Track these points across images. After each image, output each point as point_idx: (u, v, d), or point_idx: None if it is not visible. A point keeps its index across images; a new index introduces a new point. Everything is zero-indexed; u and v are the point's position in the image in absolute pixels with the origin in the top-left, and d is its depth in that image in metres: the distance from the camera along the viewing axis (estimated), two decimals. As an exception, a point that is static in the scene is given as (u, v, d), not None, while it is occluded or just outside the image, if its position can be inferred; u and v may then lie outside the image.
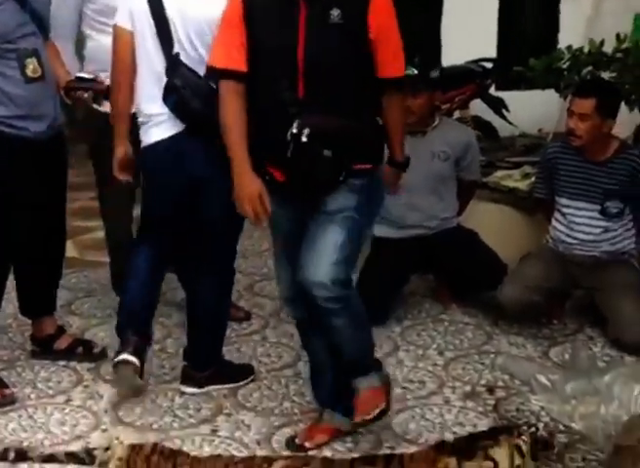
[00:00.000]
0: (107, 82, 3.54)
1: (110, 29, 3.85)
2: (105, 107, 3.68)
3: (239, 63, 2.85)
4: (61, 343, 3.89)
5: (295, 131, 2.76)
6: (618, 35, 5.88)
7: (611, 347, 4.07)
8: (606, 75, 5.56)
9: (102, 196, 4.28)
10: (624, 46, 5.75)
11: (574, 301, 4.52)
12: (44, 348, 3.86)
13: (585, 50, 5.76)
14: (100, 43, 3.93)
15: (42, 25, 3.45)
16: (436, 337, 4.24)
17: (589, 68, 5.71)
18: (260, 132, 2.88)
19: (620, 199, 4.13)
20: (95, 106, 3.74)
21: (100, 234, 4.81)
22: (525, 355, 4.04)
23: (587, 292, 4.38)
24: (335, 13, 2.78)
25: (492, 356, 4.02)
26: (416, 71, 4.39)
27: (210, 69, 3.00)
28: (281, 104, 2.80)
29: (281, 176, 2.90)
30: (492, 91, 7.28)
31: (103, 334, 4.16)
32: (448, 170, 4.50)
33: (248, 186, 2.87)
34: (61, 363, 3.86)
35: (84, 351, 3.89)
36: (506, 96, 7.30)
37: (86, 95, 3.63)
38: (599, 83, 4.53)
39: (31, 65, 3.32)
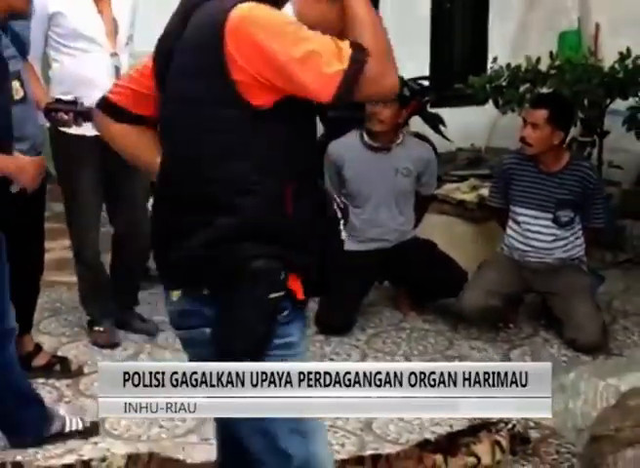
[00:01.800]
0: (86, 104, 3.61)
1: (75, 52, 3.96)
2: (83, 130, 3.76)
3: None
4: (39, 360, 3.93)
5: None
6: (551, 53, 6.19)
7: (567, 348, 4.29)
8: (543, 91, 5.84)
9: (70, 212, 4.31)
10: (557, 63, 6.05)
11: (526, 306, 4.74)
12: (23, 365, 3.88)
13: (523, 67, 6.05)
14: (64, 65, 4.02)
15: (22, 48, 3.52)
16: (401, 344, 4.41)
17: (527, 85, 6.00)
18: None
19: (570, 208, 4.36)
20: (73, 128, 3.80)
21: (59, 254, 4.85)
22: (488, 358, 4.23)
23: (539, 297, 4.61)
24: None
25: (456, 360, 4.19)
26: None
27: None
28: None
29: (301, 293, 2.04)
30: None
31: (76, 352, 4.22)
32: (409, 185, 4.68)
33: None
34: (40, 380, 3.88)
35: (62, 368, 3.94)
36: (440, 112, 7.55)
37: (66, 116, 3.69)
38: (553, 96, 4.80)
39: (15, 88, 3.38)
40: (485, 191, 5.09)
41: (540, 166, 4.38)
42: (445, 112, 7.63)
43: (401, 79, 5.49)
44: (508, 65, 5.97)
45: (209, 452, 3.26)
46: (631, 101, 5.86)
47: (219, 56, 1.88)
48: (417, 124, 7.32)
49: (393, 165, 4.61)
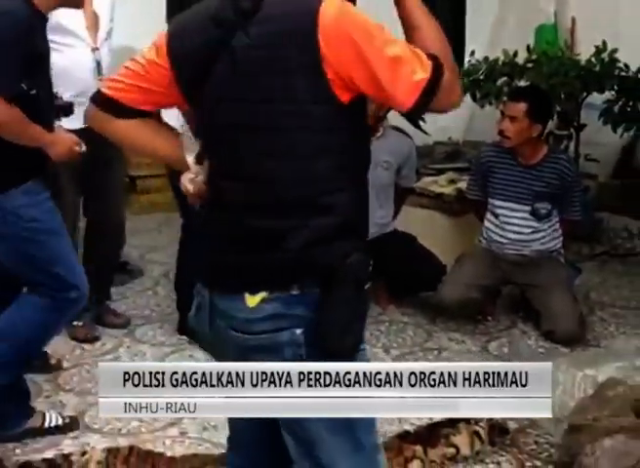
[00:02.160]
0: (65, 98, 3.59)
1: (60, 47, 3.93)
2: (63, 124, 3.74)
3: None
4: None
5: None
6: (528, 46, 6.21)
7: (545, 340, 4.32)
8: (520, 84, 5.86)
9: None
10: (534, 56, 6.07)
11: (504, 298, 4.77)
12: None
13: (500, 60, 6.07)
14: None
15: None
16: (380, 337, 4.42)
17: (504, 79, 6.02)
18: None
19: (548, 201, 4.39)
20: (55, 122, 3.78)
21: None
22: (466, 350, 4.25)
23: (517, 289, 4.64)
24: None
25: (435, 352, 4.21)
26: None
27: None
28: None
29: None
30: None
31: (54, 346, 4.17)
32: (389, 178, 4.69)
33: None
34: (19, 375, 3.88)
35: (40, 363, 3.91)
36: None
37: None
38: (532, 89, 4.80)
39: None
40: (463, 184, 5.11)
41: (517, 158, 4.40)
42: (422, 106, 7.65)
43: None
44: (486, 59, 5.99)
45: (188, 446, 3.29)
46: (607, 95, 5.90)
47: (313, 50, 1.83)
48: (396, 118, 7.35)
49: (373, 158, 4.55)
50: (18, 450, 3.27)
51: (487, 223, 4.54)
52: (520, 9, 8.02)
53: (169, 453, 3.19)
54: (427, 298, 4.67)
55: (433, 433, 3.23)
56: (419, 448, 3.11)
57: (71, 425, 3.43)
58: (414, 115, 1.86)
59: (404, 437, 3.22)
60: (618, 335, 4.36)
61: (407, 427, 3.41)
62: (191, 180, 2.05)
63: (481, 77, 5.99)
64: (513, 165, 4.41)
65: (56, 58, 3.93)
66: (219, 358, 2.07)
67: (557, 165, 4.37)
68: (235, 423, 2.23)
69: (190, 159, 2.07)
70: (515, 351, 4.09)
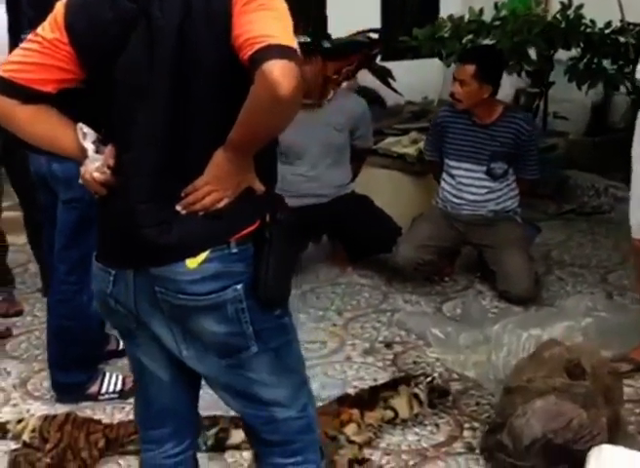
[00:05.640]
0: None
1: None
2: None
3: None
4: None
5: None
6: (495, 4, 6.14)
7: (499, 300, 4.30)
8: (486, 42, 5.80)
9: None
10: (502, 14, 6.00)
11: (462, 259, 4.74)
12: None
13: (466, 18, 6.00)
14: None
15: None
16: (335, 299, 4.41)
17: (470, 36, 5.96)
18: None
19: (503, 160, 4.34)
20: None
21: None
22: (420, 311, 4.23)
23: (475, 249, 4.61)
24: None
25: (388, 314, 4.20)
26: (308, 39, 4.49)
27: None
28: None
29: None
30: (378, 61, 7.46)
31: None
32: (343, 140, 4.64)
33: None
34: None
35: (-11, 330, 3.92)
36: (392, 65, 7.49)
37: None
38: (480, 50, 4.72)
39: None
40: (426, 144, 5.04)
41: (472, 119, 4.34)
42: (396, 65, 7.59)
43: (324, 33, 5.32)
44: (450, 17, 5.92)
45: (128, 412, 3.28)
46: (574, 52, 5.84)
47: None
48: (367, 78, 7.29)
49: (325, 120, 4.56)
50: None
51: (443, 184, 4.50)
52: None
53: (107, 421, 3.18)
54: (385, 260, 4.63)
55: (373, 396, 3.21)
56: (355, 412, 3.09)
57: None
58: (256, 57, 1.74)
59: (343, 401, 3.20)
60: (573, 294, 4.32)
61: (350, 391, 3.41)
62: (97, 169, 2.00)
63: (446, 35, 5.94)
64: (468, 125, 4.35)
65: None
66: (142, 333, 2.06)
67: (513, 124, 4.31)
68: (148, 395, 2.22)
69: (90, 148, 2.02)
70: (465, 314, 4.06)
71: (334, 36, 7.24)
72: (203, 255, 1.91)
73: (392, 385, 3.27)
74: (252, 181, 1.92)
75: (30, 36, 1.99)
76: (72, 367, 3.33)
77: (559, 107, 6.50)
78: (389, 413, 3.16)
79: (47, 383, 3.50)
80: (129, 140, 1.93)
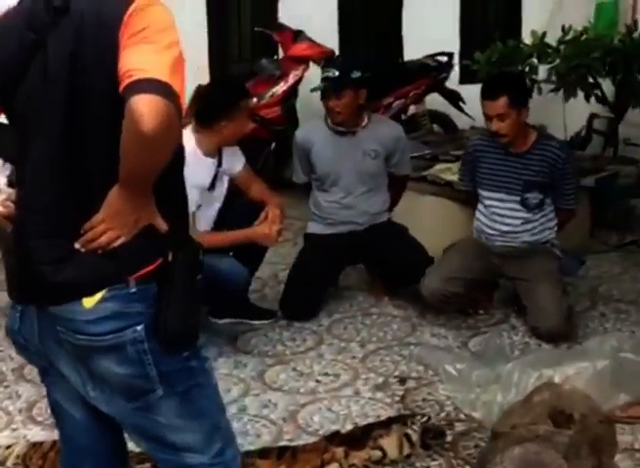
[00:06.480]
0: None
1: None
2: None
3: None
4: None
5: None
6: (563, 27, 5.94)
7: (530, 336, 4.12)
8: (545, 66, 5.65)
9: None
10: (568, 37, 5.81)
11: (502, 291, 4.58)
12: None
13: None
14: None
15: None
16: (362, 330, 4.31)
17: (532, 59, 5.79)
18: None
19: (538, 190, 4.17)
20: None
21: None
22: (445, 345, 4.10)
23: (511, 282, 4.44)
24: None
25: (411, 347, 4.08)
26: (337, 72, 4.41)
27: None
28: None
29: None
30: (455, 85, 7.31)
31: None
32: (379, 167, 4.55)
33: None
34: (-13, 364, 3.95)
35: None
36: (468, 89, 7.33)
37: None
38: (502, 79, 4.43)
39: None
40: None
41: (506, 147, 4.19)
42: (471, 89, 7.42)
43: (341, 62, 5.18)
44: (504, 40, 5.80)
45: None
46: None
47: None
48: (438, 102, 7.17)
49: (360, 147, 4.49)
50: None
51: (477, 214, 4.36)
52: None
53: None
54: (417, 291, 4.51)
55: (365, 434, 3.11)
56: (339, 451, 3.00)
57: None
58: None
59: (332, 437, 3.12)
60: (612, 332, 4.12)
61: (350, 427, 3.33)
62: (1, 202, 2.01)
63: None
64: (501, 153, 4.20)
65: None
66: (54, 371, 2.05)
67: (547, 151, 4.14)
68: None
69: (1, 181, 2.03)
70: (486, 348, 3.91)
71: (411, 57, 7.21)
72: (99, 295, 1.87)
73: (386, 424, 3.17)
74: (152, 219, 1.87)
75: None
76: None
77: (631, 133, 6.24)
78: (377, 453, 3.06)
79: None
80: (24, 175, 1.92)
